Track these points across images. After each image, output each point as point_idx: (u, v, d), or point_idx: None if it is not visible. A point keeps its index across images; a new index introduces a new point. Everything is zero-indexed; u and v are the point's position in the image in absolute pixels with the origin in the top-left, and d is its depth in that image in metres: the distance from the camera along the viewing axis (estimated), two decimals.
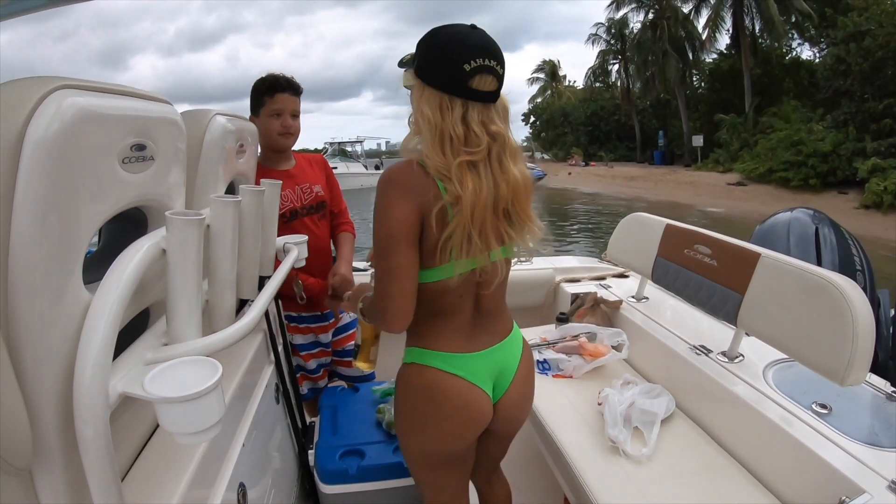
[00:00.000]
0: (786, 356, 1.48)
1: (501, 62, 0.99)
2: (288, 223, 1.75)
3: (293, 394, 1.77)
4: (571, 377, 1.81)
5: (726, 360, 1.56)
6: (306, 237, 1.47)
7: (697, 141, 21.70)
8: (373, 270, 1.40)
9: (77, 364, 0.63)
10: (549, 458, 1.56)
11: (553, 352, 1.89)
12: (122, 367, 0.75)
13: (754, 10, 20.68)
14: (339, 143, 27.65)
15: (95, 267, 0.73)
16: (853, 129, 14.43)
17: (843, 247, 2.10)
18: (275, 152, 1.81)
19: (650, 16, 24.82)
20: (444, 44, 0.97)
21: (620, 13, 26.70)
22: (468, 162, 0.97)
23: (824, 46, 18.55)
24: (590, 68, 30.96)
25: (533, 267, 2.41)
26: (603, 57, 29.58)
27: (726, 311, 1.55)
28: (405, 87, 1.11)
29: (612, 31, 28.05)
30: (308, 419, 1.90)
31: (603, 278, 2.43)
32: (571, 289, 2.34)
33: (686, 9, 23.51)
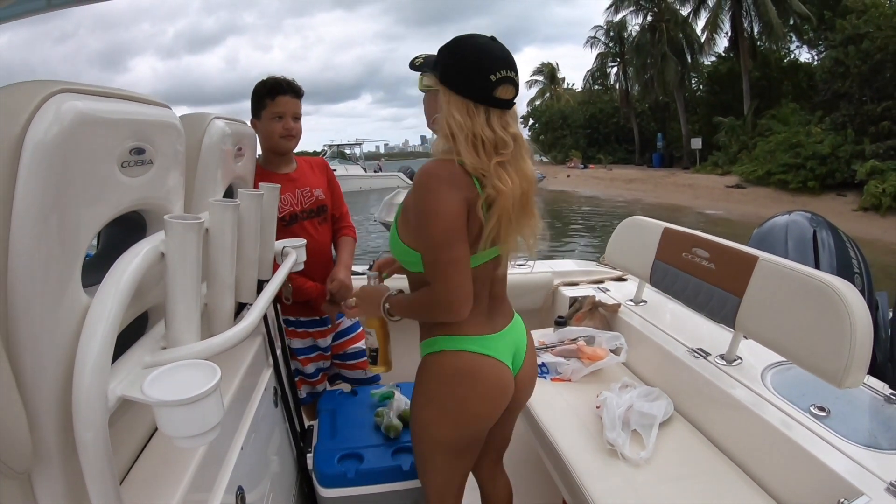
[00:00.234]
0: (784, 359, 1.48)
1: (517, 72, 1.09)
2: (287, 227, 1.76)
3: (291, 397, 1.77)
4: (570, 380, 1.81)
5: (725, 363, 1.56)
6: (304, 241, 1.47)
7: (696, 143, 21.69)
8: (372, 273, 1.41)
9: (76, 367, 0.63)
10: (548, 461, 1.56)
11: (551, 355, 1.89)
12: (121, 370, 0.75)
13: (753, 13, 20.69)
14: (338, 145, 27.68)
15: (94, 270, 0.73)
16: (851, 132, 14.45)
17: (841, 249, 2.11)
18: (276, 155, 1.81)
19: (649, 19, 24.83)
20: (472, 55, 1.06)
21: (619, 16, 26.74)
22: (500, 162, 1.07)
23: (823, 49, 18.57)
24: (588, 71, 30.94)
25: (531, 270, 2.41)
26: (602, 60, 29.56)
27: (724, 314, 1.55)
28: (422, 89, 1.20)
29: (611, 33, 28.03)
30: (307, 422, 1.90)
31: (601, 282, 2.43)
32: (570, 292, 2.34)
33: (685, 11, 23.54)
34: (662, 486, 1.31)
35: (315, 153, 19.96)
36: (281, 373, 1.70)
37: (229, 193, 1.34)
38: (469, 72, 1.05)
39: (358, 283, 1.89)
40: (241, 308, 1.27)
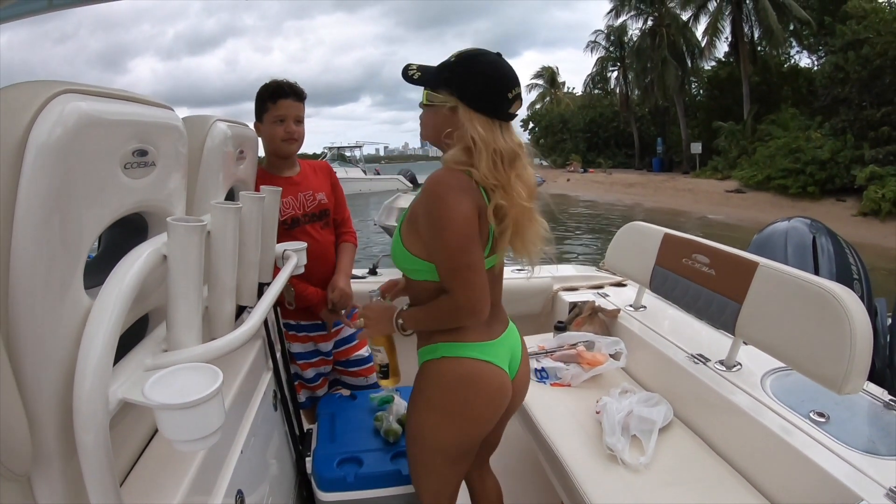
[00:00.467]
0: (784, 365, 1.48)
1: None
2: (289, 230, 1.75)
3: (291, 401, 1.77)
4: (569, 386, 1.81)
5: (724, 368, 1.56)
6: (305, 244, 1.47)
7: (696, 148, 21.71)
8: (376, 293, 1.39)
9: (77, 369, 0.63)
10: (547, 466, 1.56)
11: (551, 360, 1.89)
12: (122, 372, 0.75)
13: (753, 18, 20.74)
14: (338, 147, 27.68)
15: (96, 272, 0.73)
16: (851, 137, 14.46)
17: (840, 255, 2.11)
18: (279, 158, 1.81)
19: (649, 23, 24.88)
20: (491, 75, 1.11)
21: (619, 20, 26.79)
22: (518, 174, 1.12)
23: (823, 54, 18.64)
24: (588, 75, 30.98)
25: (531, 275, 2.40)
26: (602, 64, 29.58)
27: (724, 319, 1.56)
28: (426, 104, 1.18)
29: (612, 38, 28.07)
30: (306, 426, 1.90)
31: (601, 287, 2.44)
32: (569, 297, 2.34)
33: (685, 16, 23.58)
34: (662, 492, 1.31)
35: (315, 155, 19.96)
36: (281, 376, 1.69)
37: (230, 196, 1.34)
38: (491, 92, 1.10)
39: (357, 288, 1.89)
40: (240, 311, 1.27)
